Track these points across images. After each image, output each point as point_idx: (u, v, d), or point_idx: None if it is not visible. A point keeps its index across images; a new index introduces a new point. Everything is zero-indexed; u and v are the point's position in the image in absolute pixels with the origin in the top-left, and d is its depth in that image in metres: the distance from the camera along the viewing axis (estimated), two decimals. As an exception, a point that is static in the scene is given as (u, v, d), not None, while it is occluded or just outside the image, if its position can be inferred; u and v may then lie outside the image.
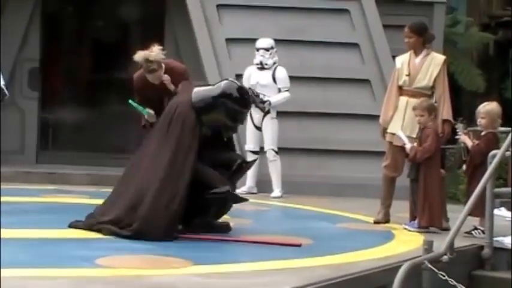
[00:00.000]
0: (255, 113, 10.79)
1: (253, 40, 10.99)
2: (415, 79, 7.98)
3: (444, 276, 5.62)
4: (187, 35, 12.16)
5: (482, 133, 7.63)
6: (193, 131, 6.81)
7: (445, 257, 6.00)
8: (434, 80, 7.95)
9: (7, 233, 6.10)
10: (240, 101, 6.95)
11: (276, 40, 11.08)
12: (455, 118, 8.28)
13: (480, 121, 7.63)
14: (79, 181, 11.36)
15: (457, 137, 7.85)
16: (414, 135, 7.87)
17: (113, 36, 13.78)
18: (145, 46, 7.91)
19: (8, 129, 12.09)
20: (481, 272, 6.94)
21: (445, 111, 7.88)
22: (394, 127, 7.98)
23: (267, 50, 10.90)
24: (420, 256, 5.90)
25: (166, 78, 7.78)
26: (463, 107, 14.88)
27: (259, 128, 10.85)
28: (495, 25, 18.61)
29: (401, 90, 8.07)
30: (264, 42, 10.94)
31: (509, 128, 7.78)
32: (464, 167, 7.74)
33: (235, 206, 7.12)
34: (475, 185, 6.94)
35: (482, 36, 17.44)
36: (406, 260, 5.59)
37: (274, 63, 10.93)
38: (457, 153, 9.01)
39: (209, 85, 7.35)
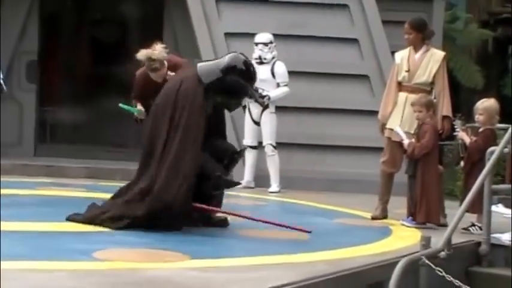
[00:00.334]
0: (253, 107, 10.78)
1: (252, 35, 10.99)
2: (415, 75, 7.97)
3: (441, 272, 5.62)
4: (186, 30, 12.15)
5: (480, 130, 7.63)
6: (201, 108, 6.61)
7: (443, 253, 6.01)
8: (434, 76, 7.95)
9: (4, 226, 6.09)
10: (245, 74, 6.82)
11: (275, 35, 11.08)
12: (454, 115, 8.28)
13: (478, 117, 7.63)
14: (76, 174, 11.37)
15: (454, 133, 7.85)
16: (413, 131, 7.86)
17: (112, 31, 13.77)
18: (146, 43, 7.91)
19: (5, 121, 12.09)
20: (478, 268, 6.94)
21: (445, 108, 7.88)
22: (393, 123, 7.98)
23: (266, 44, 10.89)
24: (418, 252, 5.91)
25: (170, 75, 7.78)
26: (462, 103, 14.87)
27: (257, 123, 10.84)
28: (494, 22, 18.60)
29: (400, 86, 8.07)
30: (263, 36, 10.94)
31: (507, 125, 7.78)
32: (462, 163, 7.74)
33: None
34: (472, 181, 6.95)
35: (482, 32, 17.44)
36: (403, 256, 5.59)
37: (273, 57, 10.93)
38: (455, 149, 9.02)
39: (213, 60, 7.20)
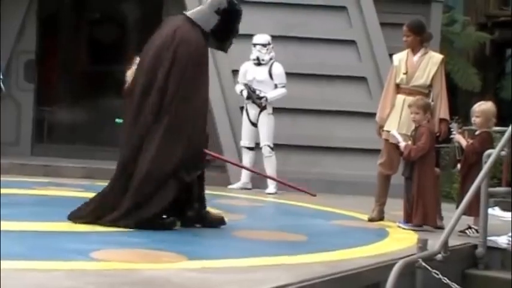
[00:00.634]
0: (251, 108, 10.80)
1: (250, 36, 10.99)
2: (413, 77, 7.98)
3: (438, 274, 5.63)
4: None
5: (477, 132, 7.63)
6: (204, 56, 6.56)
7: (439, 256, 6.02)
8: (432, 79, 7.96)
9: (2, 225, 6.09)
10: (237, 9, 6.84)
11: (272, 36, 11.09)
12: (451, 117, 8.28)
13: (475, 120, 7.63)
14: (73, 174, 11.37)
15: (451, 136, 7.86)
16: (410, 134, 7.87)
17: (110, 31, 13.77)
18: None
19: (3, 121, 12.09)
20: (475, 271, 6.94)
21: (442, 110, 7.89)
22: (391, 125, 7.98)
23: (263, 45, 10.90)
24: (414, 254, 5.91)
25: None
26: (459, 106, 14.89)
27: (255, 124, 10.85)
28: (492, 25, 18.62)
29: (398, 88, 8.07)
30: (261, 38, 10.95)
31: (504, 128, 7.78)
32: (458, 166, 7.74)
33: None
34: (469, 184, 6.95)
35: (479, 35, 17.45)
36: (400, 258, 5.60)
37: (271, 59, 10.94)
38: (452, 152, 9.02)
39: (197, 8, 7.01)
